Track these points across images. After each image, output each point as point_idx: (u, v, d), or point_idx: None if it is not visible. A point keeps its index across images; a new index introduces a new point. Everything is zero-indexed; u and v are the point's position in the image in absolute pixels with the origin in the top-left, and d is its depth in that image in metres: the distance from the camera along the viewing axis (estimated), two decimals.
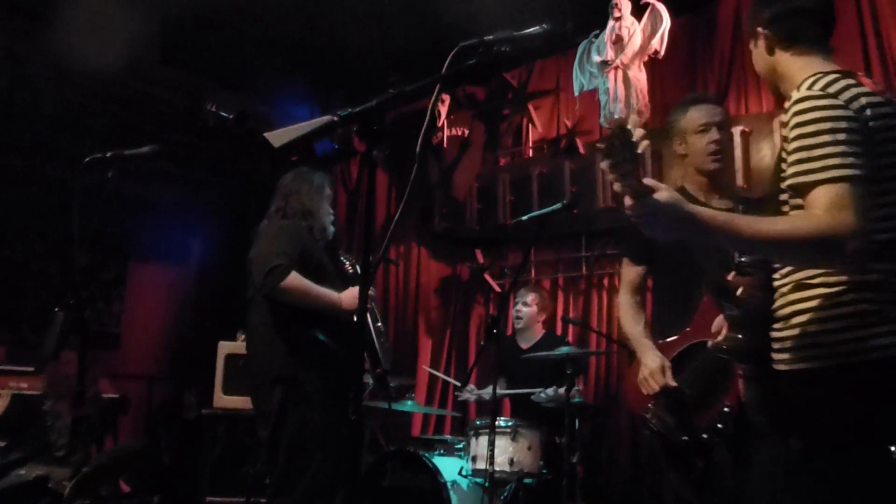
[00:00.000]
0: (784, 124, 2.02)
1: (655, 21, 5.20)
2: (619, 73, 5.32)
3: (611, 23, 5.36)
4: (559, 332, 5.79)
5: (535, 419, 4.71)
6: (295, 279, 3.49)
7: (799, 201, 1.98)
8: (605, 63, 5.37)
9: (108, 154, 3.16)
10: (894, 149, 1.95)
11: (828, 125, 1.89)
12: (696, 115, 3.14)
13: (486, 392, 5.17)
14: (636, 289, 3.33)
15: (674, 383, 2.89)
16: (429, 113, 2.21)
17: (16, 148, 6.44)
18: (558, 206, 4.08)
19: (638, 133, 1.94)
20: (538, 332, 5.38)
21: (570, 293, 5.99)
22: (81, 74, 5.83)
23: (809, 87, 1.98)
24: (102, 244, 7.18)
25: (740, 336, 2.33)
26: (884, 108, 1.97)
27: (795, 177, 1.91)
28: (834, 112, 1.90)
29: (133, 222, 7.33)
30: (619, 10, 5.32)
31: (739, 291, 2.30)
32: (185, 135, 6.76)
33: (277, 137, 1.88)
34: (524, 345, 5.30)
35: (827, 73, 2.01)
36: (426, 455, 4.65)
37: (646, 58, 5.28)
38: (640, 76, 5.28)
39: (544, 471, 4.51)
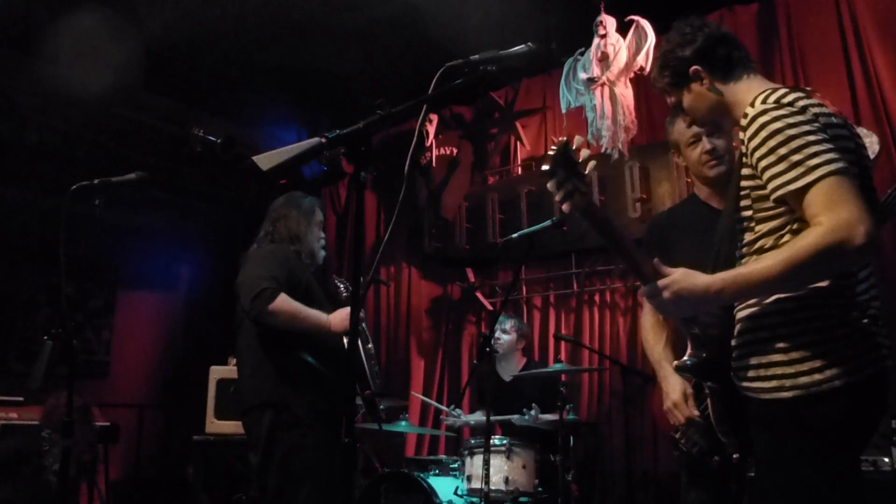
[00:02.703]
0: (743, 140, 2.02)
1: (640, 38, 5.22)
2: (606, 89, 5.34)
3: (596, 40, 5.38)
4: (537, 357, 5.79)
5: (529, 438, 4.70)
6: (283, 302, 3.46)
7: (764, 214, 2.01)
8: (591, 80, 5.39)
9: (96, 181, 3.15)
10: (848, 158, 1.95)
11: (794, 130, 1.91)
12: (683, 128, 3.05)
13: (472, 418, 5.15)
14: None
15: (696, 413, 2.78)
16: (416, 133, 2.21)
17: (1, 178, 6.41)
18: (548, 223, 4.07)
19: (583, 153, 1.95)
20: (518, 360, 5.38)
21: (561, 310, 5.99)
22: (66, 103, 5.82)
23: (764, 101, 1.99)
24: (90, 272, 7.15)
25: (704, 354, 2.29)
26: (833, 119, 1.99)
27: (780, 188, 1.91)
28: (795, 118, 1.92)
29: (121, 250, 7.30)
30: (604, 28, 5.34)
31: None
32: (173, 161, 6.74)
33: (265, 160, 1.87)
34: (506, 377, 5.28)
35: (776, 89, 2.03)
36: (421, 476, 4.62)
37: (632, 74, 5.30)
38: (626, 93, 5.30)
39: (539, 489, 4.49)
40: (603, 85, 5.35)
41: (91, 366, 7.26)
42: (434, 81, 2.06)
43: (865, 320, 1.97)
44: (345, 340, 3.54)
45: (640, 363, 5.30)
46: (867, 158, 2.09)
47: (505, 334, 5.29)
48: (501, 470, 4.44)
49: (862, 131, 4.37)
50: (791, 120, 1.92)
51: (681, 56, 2.24)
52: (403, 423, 5.19)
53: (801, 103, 1.96)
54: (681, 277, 1.99)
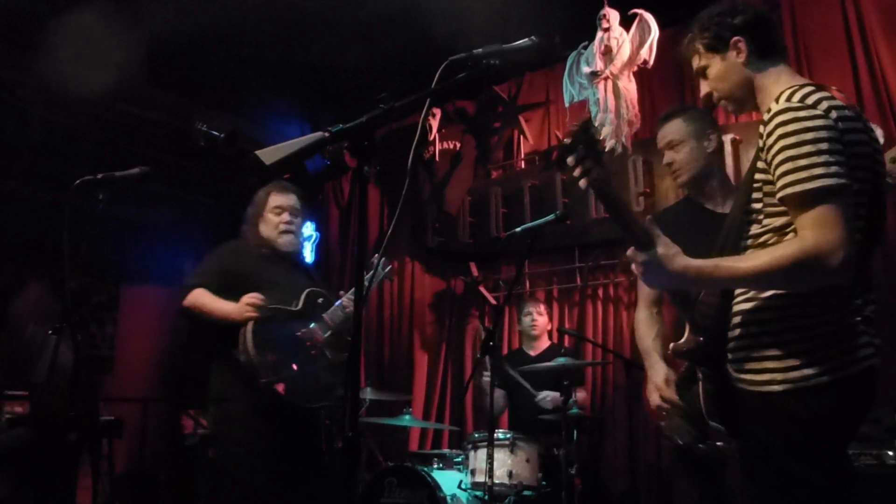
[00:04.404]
0: (762, 135, 2.04)
1: (644, 31, 5.21)
2: (609, 83, 5.33)
3: (599, 34, 5.37)
4: (556, 342, 5.81)
5: (532, 432, 4.71)
6: (194, 297, 3.56)
7: (773, 210, 2.04)
8: (594, 74, 5.38)
9: (99, 176, 3.15)
10: (861, 163, 1.99)
11: (810, 135, 1.92)
12: (660, 136, 3.29)
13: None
14: (653, 301, 3.28)
15: (675, 397, 2.85)
16: (419, 127, 2.21)
17: (5, 173, 6.41)
18: (551, 217, 4.08)
19: (604, 130, 1.97)
20: (545, 341, 5.47)
21: (564, 304, 5.99)
22: (70, 98, 5.82)
23: (788, 99, 2.01)
24: (94, 267, 7.15)
25: (701, 339, 2.34)
26: (853, 123, 2.00)
27: (784, 189, 1.95)
28: (814, 122, 1.94)
29: (124, 245, 7.29)
30: (608, 21, 5.33)
31: (701, 295, 2.34)
32: (176, 156, 6.74)
33: (269, 155, 1.87)
34: (532, 353, 5.39)
35: (803, 86, 2.04)
36: (425, 469, 4.62)
37: (635, 68, 5.29)
38: (629, 86, 5.29)
39: (543, 483, 4.49)
40: (606, 79, 5.34)
41: (95, 360, 7.27)
42: (437, 76, 2.06)
43: (857, 318, 2.02)
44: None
45: None
46: (879, 152, 2.11)
47: (540, 316, 5.45)
48: (505, 464, 4.45)
49: None
50: (809, 124, 1.94)
51: (728, 22, 2.25)
52: (407, 417, 5.20)
53: (825, 105, 1.97)
54: (663, 254, 2.01)
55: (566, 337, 5.69)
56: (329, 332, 3.66)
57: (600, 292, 5.77)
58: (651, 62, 5.23)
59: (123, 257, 7.49)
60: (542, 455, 4.56)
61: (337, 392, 3.58)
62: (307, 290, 3.71)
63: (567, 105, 5.69)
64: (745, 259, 2.02)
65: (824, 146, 1.91)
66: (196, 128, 6.37)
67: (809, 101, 1.98)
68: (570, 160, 2.01)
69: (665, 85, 5.56)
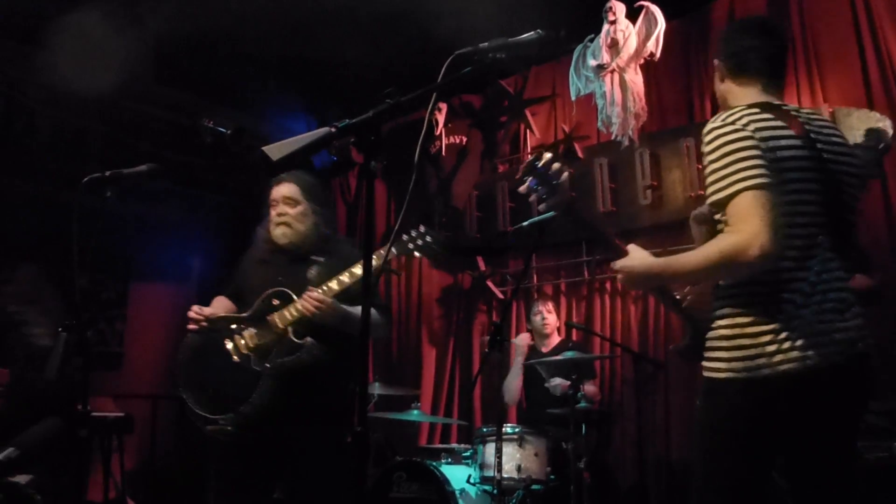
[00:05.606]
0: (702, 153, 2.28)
1: (650, 23, 5.20)
2: (616, 76, 5.32)
3: (606, 26, 5.36)
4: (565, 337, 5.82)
5: (541, 426, 4.72)
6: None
7: (724, 217, 2.21)
8: (601, 67, 5.38)
9: (107, 173, 3.16)
10: (793, 165, 2.18)
11: (727, 148, 2.15)
12: None
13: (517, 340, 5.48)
14: None
15: None
16: (426, 121, 2.21)
17: (13, 171, 6.43)
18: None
19: (555, 166, 2.38)
20: (556, 338, 5.50)
21: (572, 298, 5.98)
22: (77, 97, 5.83)
23: (714, 120, 2.25)
24: (102, 264, 7.17)
25: (697, 337, 2.43)
26: (781, 132, 2.18)
27: (710, 197, 2.19)
28: (731, 136, 2.16)
29: (133, 242, 7.32)
30: (614, 14, 5.32)
31: (689, 298, 2.52)
32: (183, 153, 6.75)
33: (276, 150, 1.87)
34: (544, 349, 5.43)
35: (733, 108, 2.26)
36: (433, 464, 4.63)
37: (641, 60, 5.28)
38: (636, 79, 5.27)
39: (552, 477, 4.50)
40: (613, 71, 5.33)
41: (105, 357, 7.29)
42: (443, 70, 2.06)
43: (808, 318, 2.12)
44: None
45: (652, 350, 5.30)
46: (836, 161, 2.24)
47: (550, 314, 5.49)
48: (514, 458, 4.46)
49: (875, 115, 4.35)
50: (727, 138, 2.16)
51: (717, 47, 2.55)
52: (415, 411, 5.21)
53: (746, 120, 2.18)
54: (630, 259, 2.33)
55: (574, 331, 5.70)
56: (268, 339, 3.39)
57: (608, 286, 5.77)
58: (658, 54, 5.22)
59: (132, 254, 7.51)
60: (550, 449, 4.57)
61: (242, 407, 3.25)
62: (265, 294, 3.48)
63: (573, 98, 5.69)
64: (687, 255, 2.25)
65: (741, 154, 2.12)
66: (203, 125, 6.38)
67: (730, 119, 2.20)
68: (521, 189, 2.41)
69: (672, 77, 5.55)
